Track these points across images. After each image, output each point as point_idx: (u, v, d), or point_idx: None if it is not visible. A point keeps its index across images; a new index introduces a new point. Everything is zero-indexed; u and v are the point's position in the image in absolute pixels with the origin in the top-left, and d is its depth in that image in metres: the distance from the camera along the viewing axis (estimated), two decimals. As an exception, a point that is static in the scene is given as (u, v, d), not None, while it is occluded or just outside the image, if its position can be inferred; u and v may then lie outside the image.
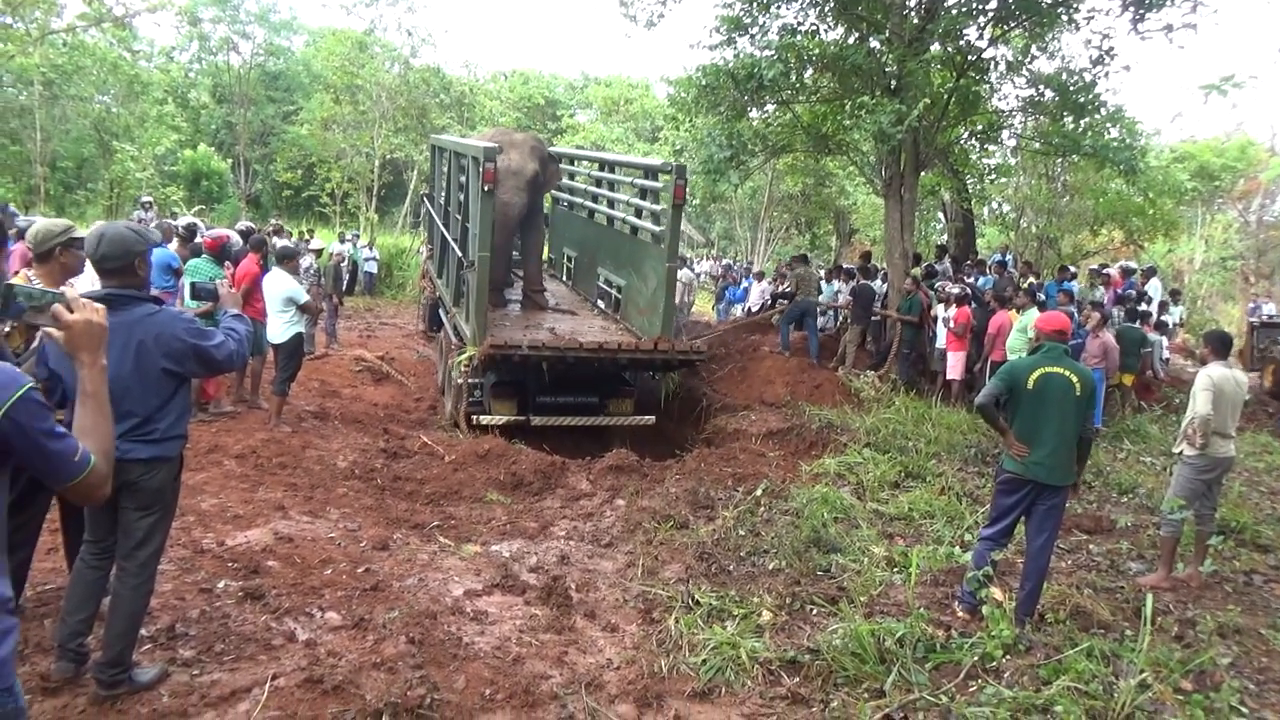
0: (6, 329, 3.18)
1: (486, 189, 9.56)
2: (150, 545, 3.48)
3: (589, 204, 14.02)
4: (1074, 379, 5.08)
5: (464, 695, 3.84)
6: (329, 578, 5.22)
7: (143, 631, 3.97)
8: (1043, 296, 12.46)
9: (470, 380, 10.07)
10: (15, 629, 1.91)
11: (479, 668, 4.12)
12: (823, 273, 15.98)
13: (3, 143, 28.48)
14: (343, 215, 30.81)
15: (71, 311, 2.00)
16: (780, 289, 16.45)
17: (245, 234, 13.20)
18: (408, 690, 3.69)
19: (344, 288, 18.21)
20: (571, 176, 15.17)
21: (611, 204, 12.89)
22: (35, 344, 3.37)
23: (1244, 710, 4.35)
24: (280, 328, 8.86)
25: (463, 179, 11.15)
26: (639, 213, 11.56)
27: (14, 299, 1.95)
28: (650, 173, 11.51)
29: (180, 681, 3.65)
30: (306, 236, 21.09)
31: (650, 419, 11.33)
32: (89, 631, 3.68)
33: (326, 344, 13.90)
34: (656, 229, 10.79)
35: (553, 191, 15.91)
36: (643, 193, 11.67)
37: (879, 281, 14.41)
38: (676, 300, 20.08)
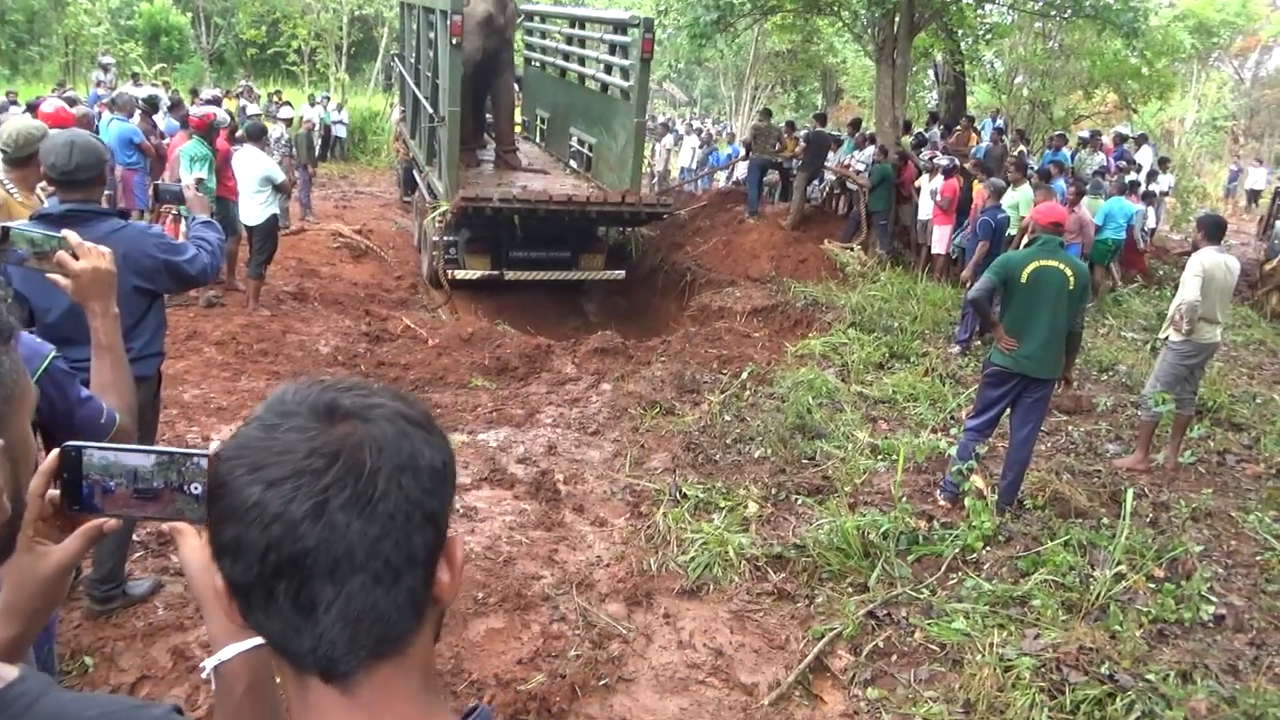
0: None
1: (455, 42, 9.62)
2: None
3: (560, 63, 13.97)
4: (1069, 273, 5.01)
5: (458, 600, 3.89)
6: (317, 474, 5.22)
7: (134, 537, 3.98)
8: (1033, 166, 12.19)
9: (446, 238, 10.42)
10: None
11: (471, 570, 4.17)
12: (783, 125, 15.99)
13: (-55, -5, 26.85)
14: (311, 75, 29.50)
15: (78, 258, 1.79)
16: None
17: (214, 101, 12.65)
18: (401, 597, 3.74)
19: (316, 156, 17.57)
20: (543, 35, 15.13)
21: (582, 61, 12.83)
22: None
23: (1212, 598, 4.50)
24: (256, 209, 8.59)
25: (431, 35, 11.07)
26: (608, 69, 11.59)
27: (12, 246, 1.74)
28: (619, 27, 11.37)
29: (175, 592, 3.68)
30: (276, 100, 20.25)
31: (620, 273, 11.83)
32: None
33: (302, 216, 13.55)
34: (625, 84, 10.87)
35: (525, 52, 16.14)
36: (612, 48, 11.55)
37: (872, 148, 14.04)
38: (660, 167, 19.87)
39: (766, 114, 15.42)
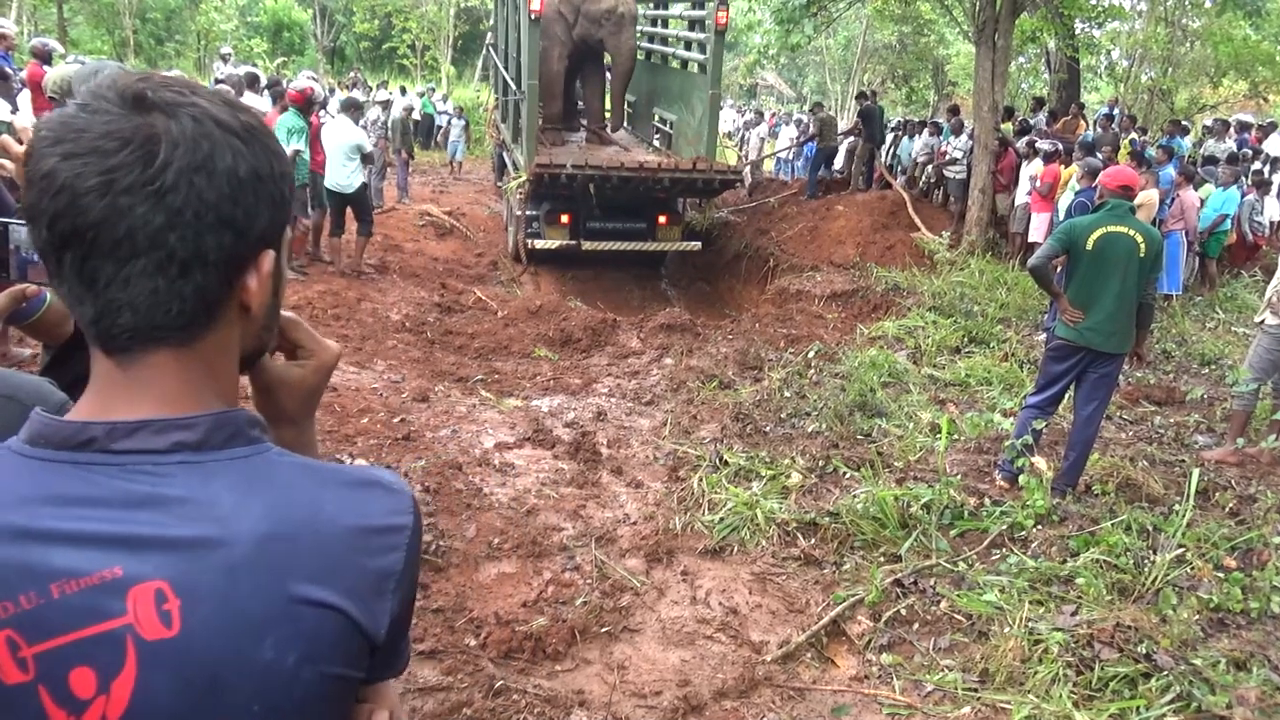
0: None
1: (534, 18, 9.94)
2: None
3: (645, 45, 14.31)
4: (1139, 239, 4.68)
5: (471, 544, 3.91)
6: (364, 426, 5.33)
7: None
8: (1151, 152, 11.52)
9: (528, 212, 10.78)
10: None
11: (491, 518, 4.18)
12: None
13: (95, -7, 28.67)
14: (422, 68, 30.38)
15: (21, 143, 1.85)
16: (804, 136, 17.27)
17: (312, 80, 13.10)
18: (415, 536, 3.76)
19: (413, 141, 18.01)
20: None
21: (665, 41, 13.21)
22: None
23: (1288, 591, 4.13)
24: (347, 177, 8.90)
25: (517, 18, 11.43)
26: (688, 45, 11.81)
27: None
28: (696, 3, 11.61)
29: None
30: (380, 86, 20.93)
31: (697, 245, 12.00)
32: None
33: (398, 198, 13.92)
34: (700, 58, 11.05)
35: None
36: (690, 25, 11.80)
37: (966, 137, 13.55)
38: (754, 156, 19.65)
39: (820, 106, 15.82)
